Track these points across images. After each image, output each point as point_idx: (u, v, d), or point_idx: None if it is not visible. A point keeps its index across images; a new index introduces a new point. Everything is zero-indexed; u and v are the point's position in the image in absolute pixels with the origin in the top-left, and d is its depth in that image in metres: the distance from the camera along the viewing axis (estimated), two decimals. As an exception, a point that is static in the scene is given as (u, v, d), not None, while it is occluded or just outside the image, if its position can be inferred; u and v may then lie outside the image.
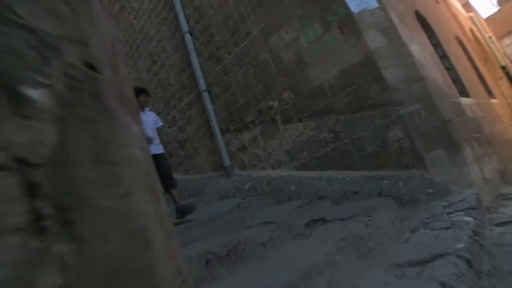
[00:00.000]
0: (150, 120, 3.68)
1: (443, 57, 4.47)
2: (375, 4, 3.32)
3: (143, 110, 3.67)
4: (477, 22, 11.48)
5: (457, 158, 2.95)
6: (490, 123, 4.69)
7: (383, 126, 3.11)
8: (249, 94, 4.51)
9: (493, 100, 6.14)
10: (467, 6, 11.94)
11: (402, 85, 3.08)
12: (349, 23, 3.34)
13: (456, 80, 4.39)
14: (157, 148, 3.65)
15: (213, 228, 3.00)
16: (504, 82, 9.91)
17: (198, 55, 5.37)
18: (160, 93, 6.56)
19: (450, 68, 4.43)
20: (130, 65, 7.53)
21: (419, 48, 3.49)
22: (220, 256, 2.03)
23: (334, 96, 3.47)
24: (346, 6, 3.35)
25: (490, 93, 6.27)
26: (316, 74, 3.62)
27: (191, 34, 5.49)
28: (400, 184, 2.92)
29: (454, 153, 2.97)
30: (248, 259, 2.12)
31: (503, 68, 10.56)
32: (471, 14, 11.74)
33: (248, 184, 4.34)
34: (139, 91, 3.60)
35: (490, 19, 14.64)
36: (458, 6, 9.87)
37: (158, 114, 6.71)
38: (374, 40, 3.20)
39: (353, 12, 3.31)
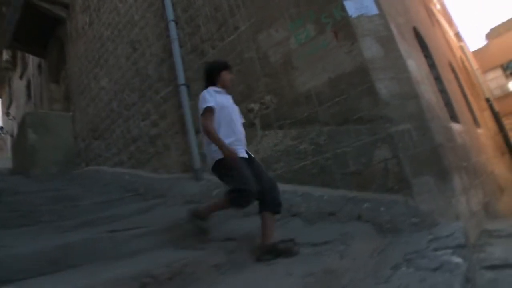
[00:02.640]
0: (235, 107, 2.60)
1: (437, 79, 4.27)
2: (375, 11, 3.05)
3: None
4: (466, 52, 11.62)
5: (446, 187, 2.68)
6: (476, 153, 4.51)
7: (370, 144, 2.81)
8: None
9: (479, 130, 6.03)
10: (458, 36, 12.08)
11: (395, 100, 2.80)
12: (345, 27, 3.05)
13: (448, 104, 4.19)
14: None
15: (164, 239, 2.60)
16: (487, 114, 9.98)
17: (180, 46, 4.99)
18: (137, 83, 6.11)
19: (443, 91, 4.22)
20: (110, 50, 7.06)
21: (416, 64, 3.24)
22: (160, 280, 1.64)
23: (320, 105, 3.16)
24: (344, 9, 3.06)
25: (476, 122, 6.16)
26: (303, 79, 3.30)
27: (176, 23, 5.11)
28: (382, 209, 2.62)
29: (443, 181, 2.69)
30: (195, 286, 1.74)
31: (487, 100, 10.67)
32: (462, 44, 11.88)
33: (217, 190, 3.96)
34: (222, 66, 2.60)
35: (477, 52, 14.97)
36: (451, 34, 9.92)
37: (133, 105, 6.30)
38: (370, 48, 2.91)
39: (351, 16, 3.02)
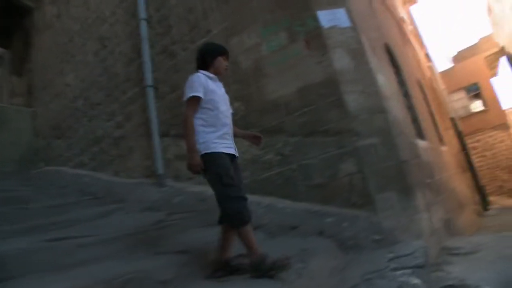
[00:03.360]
0: (226, 97, 2.33)
1: (406, 95, 4.33)
2: (347, 23, 3.03)
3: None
4: (435, 72, 12.10)
5: (409, 204, 2.66)
6: (439, 170, 4.60)
7: (336, 157, 2.76)
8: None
9: (443, 147, 6.21)
10: (427, 57, 12.57)
11: (363, 114, 2.77)
12: (316, 37, 3.01)
13: (415, 121, 4.25)
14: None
15: (112, 250, 2.40)
16: (452, 132, 10.37)
17: (151, 47, 4.79)
18: (103, 82, 5.82)
19: (411, 108, 4.29)
20: (78, 46, 6.72)
21: (385, 79, 3.25)
22: (96, 300, 1.46)
23: (288, 114, 3.08)
24: (316, 19, 3.03)
25: (441, 140, 6.35)
26: (273, 87, 3.22)
27: (147, 22, 4.92)
28: (344, 224, 2.55)
29: (407, 198, 2.67)
30: (136, 306, 1.57)
31: (452, 119, 11.11)
32: (431, 64, 12.36)
33: (178, 198, 3.78)
34: (220, 51, 2.29)
35: (444, 73, 15.67)
36: (421, 54, 10.28)
37: (98, 104, 5.99)
38: (341, 60, 2.88)
39: (323, 27, 2.99)
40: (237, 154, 2.22)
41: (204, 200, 3.60)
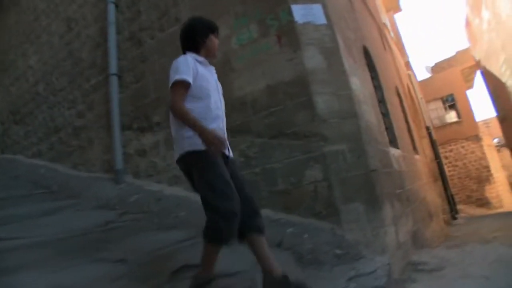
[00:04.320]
0: (218, 85, 1.93)
1: (381, 101, 4.21)
2: (322, 20, 2.84)
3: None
4: (413, 81, 12.22)
5: (376, 216, 2.50)
6: (411, 179, 4.51)
7: (302, 162, 2.57)
8: (163, 90, 3.71)
9: (417, 156, 6.17)
10: (407, 65, 12.68)
11: (333, 118, 2.58)
12: (289, 33, 2.80)
13: (389, 128, 4.13)
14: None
15: (44, 256, 2.12)
16: (426, 141, 10.47)
17: (118, 32, 4.46)
18: (67, 67, 5.41)
19: (385, 114, 4.16)
20: (43, 26, 6.25)
21: (359, 82, 3.08)
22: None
23: (255, 113, 2.86)
24: (290, 13, 2.82)
25: (415, 149, 6.31)
26: (240, 83, 3.00)
27: (116, 6, 4.57)
28: (305, 236, 2.36)
29: (373, 209, 2.51)
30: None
31: (427, 128, 11.23)
32: (410, 72, 12.48)
33: (135, 197, 3.50)
34: (212, 27, 1.90)
35: (422, 83, 15.93)
36: (401, 61, 10.32)
37: (60, 90, 5.57)
38: (313, 58, 2.69)
39: (297, 22, 2.78)
40: (231, 155, 1.85)
41: (160, 199, 3.34)
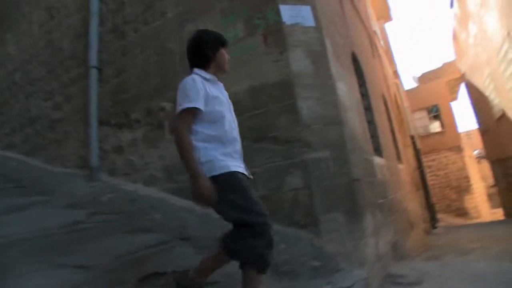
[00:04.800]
0: (229, 103, 1.78)
1: (368, 109, 4.16)
2: (311, 22, 2.76)
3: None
4: (400, 90, 12.35)
5: (356, 227, 2.42)
6: (394, 189, 4.49)
7: (283, 168, 2.47)
8: (144, 86, 3.58)
9: (400, 165, 6.18)
10: (395, 74, 12.81)
11: (317, 124, 2.50)
12: (276, 33, 2.70)
13: (374, 136, 4.09)
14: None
15: (1, 260, 1.95)
16: (410, 150, 10.57)
17: (100, 23, 4.28)
18: (47, 56, 5.19)
19: (371, 122, 4.12)
20: (24, 13, 5.98)
21: (346, 89, 3.01)
22: None
23: (237, 115, 2.74)
24: (278, 13, 2.72)
25: (399, 158, 6.32)
26: (224, 83, 2.87)
27: (100, -4, 4.39)
28: (282, 246, 2.26)
29: (354, 220, 2.43)
30: None
31: (412, 137, 11.35)
32: (397, 81, 12.61)
33: (108, 196, 3.34)
34: (221, 41, 1.75)
35: (409, 92, 16.15)
36: (389, 69, 10.40)
37: (38, 80, 5.33)
38: (299, 61, 2.60)
39: (285, 22, 2.69)
40: (251, 177, 1.72)
41: (135, 200, 3.19)
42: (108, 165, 3.79)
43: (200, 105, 1.53)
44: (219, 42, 1.72)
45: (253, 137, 2.64)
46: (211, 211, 2.77)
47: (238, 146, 1.67)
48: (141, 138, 3.51)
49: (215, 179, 1.49)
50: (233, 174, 1.52)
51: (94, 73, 4.03)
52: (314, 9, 2.81)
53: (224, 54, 1.74)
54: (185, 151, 1.49)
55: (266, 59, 2.68)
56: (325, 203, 2.37)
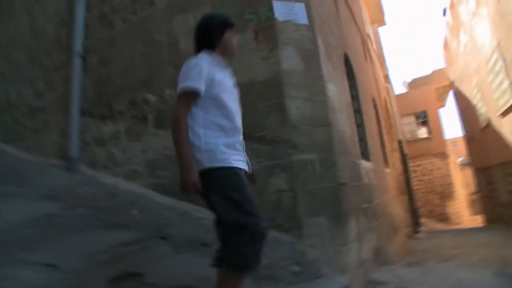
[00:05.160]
0: (236, 91, 1.68)
1: (357, 111, 4.12)
2: (304, 20, 2.69)
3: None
4: (390, 94, 12.43)
5: (340, 232, 2.37)
6: (380, 193, 4.47)
7: (267, 169, 2.40)
8: (129, 77, 3.45)
9: (387, 169, 6.19)
10: (386, 78, 12.88)
11: (305, 125, 2.43)
12: (267, 30, 2.62)
13: (362, 139, 4.05)
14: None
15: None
16: (397, 155, 10.65)
17: (87, 9, 4.12)
18: (30, 41, 4.98)
19: (360, 125, 4.08)
20: (8, -4, 5.73)
21: (337, 90, 2.96)
22: None
23: (223, 111, 2.66)
24: (271, 9, 2.64)
25: (386, 162, 6.33)
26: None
27: (88, -19, 4.23)
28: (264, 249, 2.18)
29: (338, 225, 2.38)
30: None
31: (399, 142, 11.44)
32: (388, 86, 12.68)
33: (87, 189, 3.21)
34: (227, 22, 1.64)
35: (398, 97, 16.31)
36: (380, 73, 10.44)
37: (19, 66, 5.12)
38: (290, 59, 2.52)
39: (277, 19, 2.61)
40: (250, 171, 1.63)
41: (114, 195, 3.08)
42: (88, 157, 3.66)
43: (200, 86, 1.42)
44: (224, 24, 1.63)
45: (238, 135, 2.56)
46: (191, 211, 2.70)
47: (241, 136, 1.58)
48: (124, 131, 3.39)
49: (213, 171, 1.39)
50: (233, 170, 1.43)
51: (78, 61, 3.87)
52: (307, 7, 2.74)
53: (231, 36, 1.63)
54: (178, 136, 1.39)
55: (256, 56, 2.60)
56: (309, 206, 2.31)
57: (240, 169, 1.48)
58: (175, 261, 2.20)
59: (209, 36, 1.60)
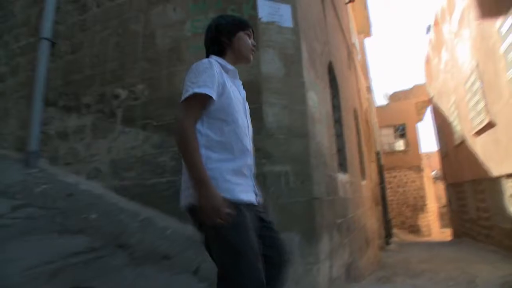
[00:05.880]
0: (246, 105, 1.46)
1: (338, 122, 4.03)
2: (289, 23, 2.55)
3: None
4: (372, 105, 12.56)
5: (311, 250, 2.24)
6: (355, 206, 4.40)
7: (239, 178, 2.23)
8: (99, 68, 3.21)
9: (363, 182, 6.16)
10: (368, 89, 13.01)
11: (281, 134, 2.29)
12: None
13: (341, 151, 3.96)
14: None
15: None
16: (374, 166, 10.74)
17: (61, -9, 3.84)
18: (-3, 20, 4.61)
19: (339, 136, 3.99)
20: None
21: (318, 99, 2.84)
22: None
23: (197, 113, 2.49)
24: (255, 8, 2.49)
25: (363, 173, 6.31)
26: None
27: (63, -39, 3.94)
28: (229, 266, 2.01)
29: (309, 242, 2.25)
30: None
31: (377, 153, 11.56)
32: (370, 97, 12.81)
33: (43, 187, 2.94)
34: (240, 24, 1.42)
35: (379, 109, 16.57)
36: (363, 84, 10.51)
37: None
38: (271, 64, 2.38)
39: (260, 19, 2.46)
40: (260, 202, 1.34)
41: (72, 195, 2.83)
42: (49, 151, 3.38)
43: (212, 93, 1.18)
44: (236, 25, 1.41)
45: (211, 140, 2.39)
46: (155, 219, 2.50)
47: (250, 159, 1.32)
48: (89, 125, 3.14)
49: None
50: (238, 207, 1.15)
51: (45, 46, 3.59)
52: (294, 10, 2.60)
53: (244, 39, 1.40)
54: (188, 149, 1.13)
55: (235, 56, 2.44)
56: (280, 222, 2.16)
57: (247, 204, 1.21)
58: (132, 275, 2.01)
59: (218, 38, 1.38)
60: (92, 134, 3.09)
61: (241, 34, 1.40)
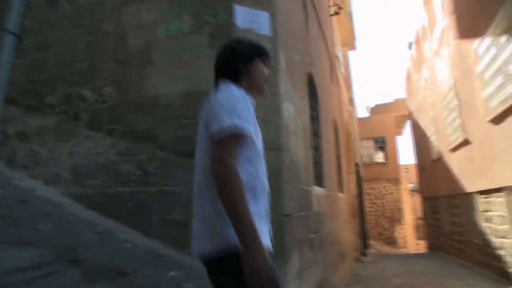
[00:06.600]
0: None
1: (316, 134, 3.97)
2: (266, 31, 2.46)
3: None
4: (353, 117, 12.68)
5: (279, 270, 2.12)
6: (330, 220, 4.33)
7: (205, 192, 2.11)
8: (67, 67, 3.03)
9: (340, 194, 6.12)
10: (350, 101, 13.16)
11: (253, 146, 2.18)
12: (225, 36, 2.37)
13: (318, 163, 3.89)
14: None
15: None
16: (353, 177, 10.79)
17: (31, -16, 3.64)
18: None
19: (317, 148, 3.92)
20: None
21: (294, 111, 2.75)
22: None
23: (165, 121, 2.36)
24: (231, 13, 2.39)
25: (340, 186, 6.28)
26: (156, 81, 2.48)
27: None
28: (188, 285, 1.88)
29: (277, 261, 2.13)
30: None
31: (356, 164, 11.63)
32: (351, 109, 12.94)
33: (-6, 192, 2.72)
34: (258, 50, 1.27)
35: (360, 121, 16.81)
36: (345, 96, 10.59)
37: None
38: (245, 72, 2.27)
39: (236, 25, 2.36)
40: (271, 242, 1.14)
41: (27, 201, 2.62)
42: (7, 152, 3.15)
43: (250, 130, 1.02)
44: (254, 52, 1.26)
45: (178, 149, 2.26)
46: (115, 231, 2.33)
47: (268, 199, 1.16)
48: (52, 127, 2.95)
49: (232, 251, 0.95)
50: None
51: (9, 40, 3.36)
52: (272, 18, 2.52)
53: (261, 67, 1.26)
54: (236, 198, 0.94)
55: (209, 63, 2.30)
56: (247, 239, 2.05)
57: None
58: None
59: (233, 62, 1.22)
60: (54, 136, 2.90)
61: (258, 61, 1.25)
